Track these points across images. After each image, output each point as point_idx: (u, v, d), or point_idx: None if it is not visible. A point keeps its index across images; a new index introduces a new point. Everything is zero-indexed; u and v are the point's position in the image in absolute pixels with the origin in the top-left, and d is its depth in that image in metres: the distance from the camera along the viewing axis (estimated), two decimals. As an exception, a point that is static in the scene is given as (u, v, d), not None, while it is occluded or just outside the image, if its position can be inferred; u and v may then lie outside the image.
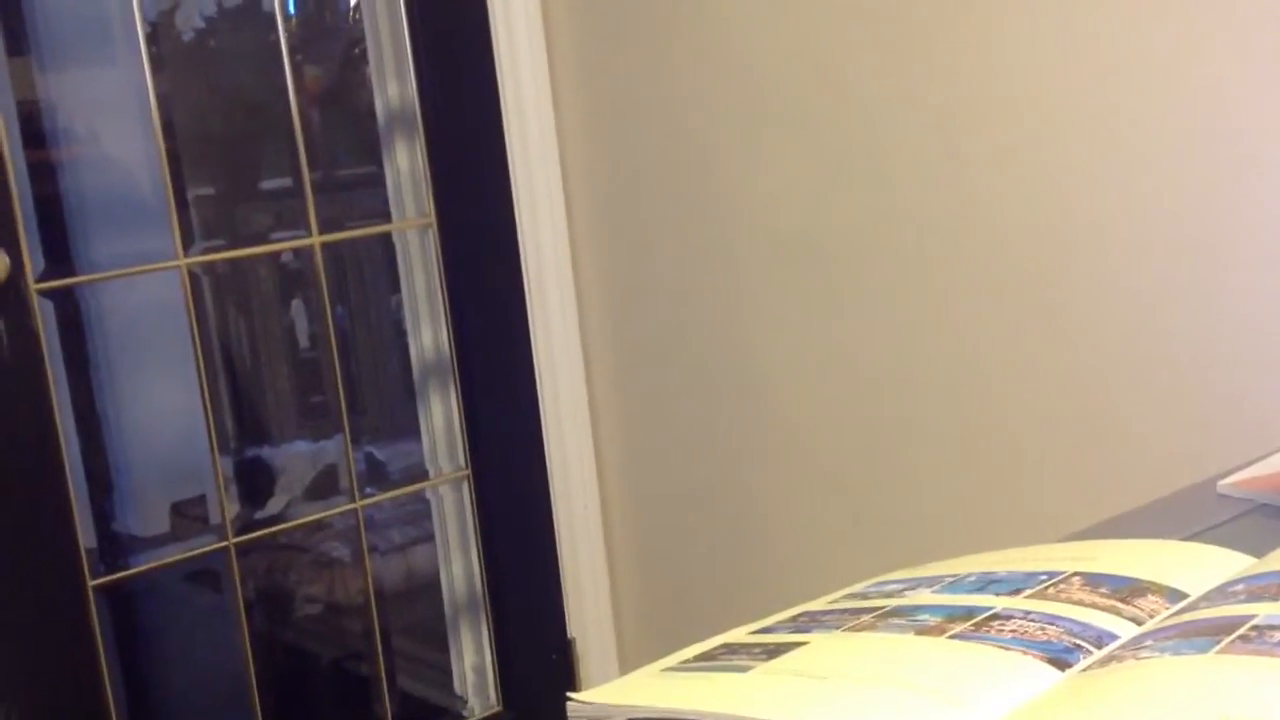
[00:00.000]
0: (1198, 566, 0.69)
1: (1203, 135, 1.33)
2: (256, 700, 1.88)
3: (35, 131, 1.93)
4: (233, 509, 2.02)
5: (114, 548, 2.08)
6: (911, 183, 1.60)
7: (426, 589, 2.19)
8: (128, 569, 1.86)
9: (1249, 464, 0.91)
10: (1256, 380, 1.33)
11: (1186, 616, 0.61)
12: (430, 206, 1.99)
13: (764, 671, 0.62)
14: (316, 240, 1.91)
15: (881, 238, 1.65)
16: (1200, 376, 1.38)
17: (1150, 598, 0.65)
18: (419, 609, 2.23)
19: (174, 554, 1.94)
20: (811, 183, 1.72)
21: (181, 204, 1.92)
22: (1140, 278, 1.41)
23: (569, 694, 0.63)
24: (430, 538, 2.17)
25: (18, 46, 1.88)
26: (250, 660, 1.88)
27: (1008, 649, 0.59)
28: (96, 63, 1.98)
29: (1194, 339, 1.38)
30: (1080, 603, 0.65)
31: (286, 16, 1.96)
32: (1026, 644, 0.60)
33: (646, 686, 0.64)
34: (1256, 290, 1.32)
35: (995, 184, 1.52)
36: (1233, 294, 1.34)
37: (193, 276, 1.83)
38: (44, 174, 1.94)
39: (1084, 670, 0.57)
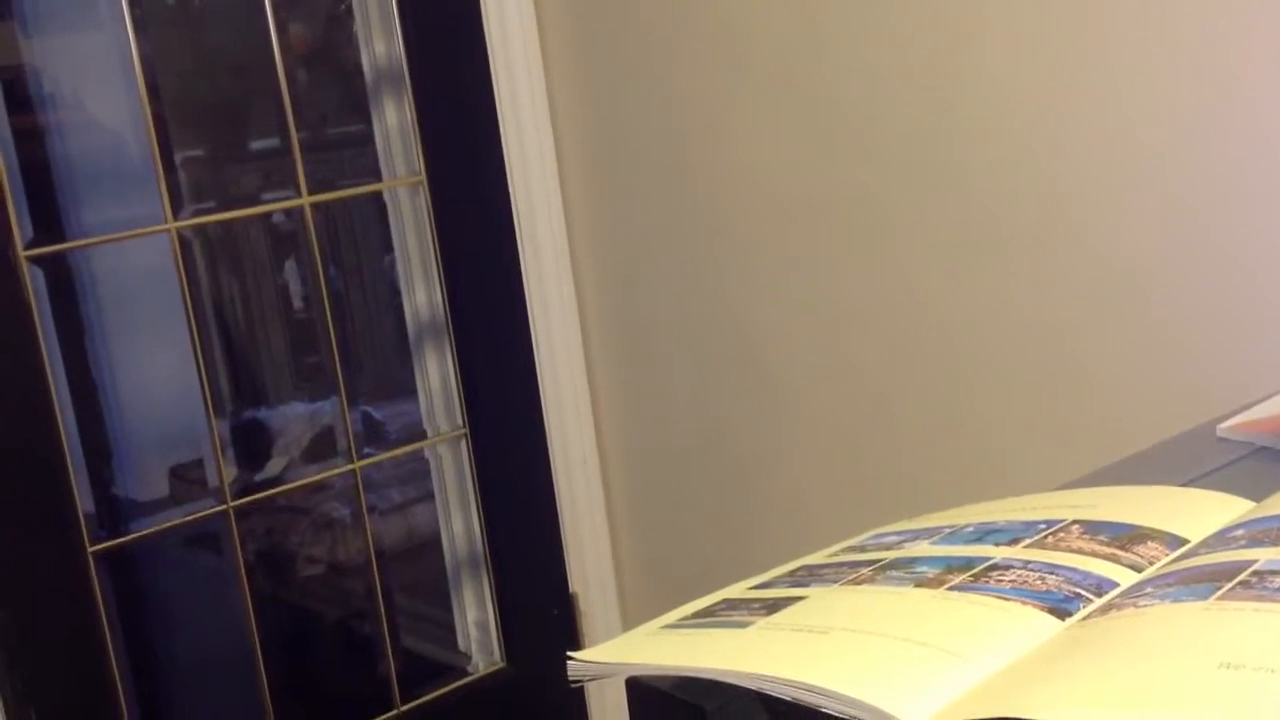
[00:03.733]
0: (1197, 512, 0.69)
1: (1196, 85, 1.32)
2: (260, 661, 1.89)
3: (20, 97, 1.92)
4: (231, 472, 2.02)
5: (113, 513, 2.08)
6: (901, 144, 1.59)
7: (427, 547, 2.20)
8: (127, 534, 1.86)
9: (1247, 407, 0.91)
10: (1254, 322, 1.33)
11: (1186, 563, 0.61)
12: (421, 164, 1.98)
13: (764, 627, 0.62)
14: (306, 200, 1.90)
15: (872, 197, 1.64)
16: (1198, 320, 1.37)
17: (1150, 544, 0.65)
18: (420, 567, 2.24)
19: (173, 518, 1.94)
20: (802, 142, 1.71)
21: (169, 167, 1.91)
22: (1136, 223, 1.40)
23: (570, 653, 0.63)
24: (430, 496, 2.17)
25: (0, 11, 1.86)
26: (253, 622, 1.88)
27: (1007, 599, 0.59)
28: (80, 27, 1.96)
29: (1191, 283, 1.37)
30: (1079, 551, 0.65)
31: (270, -26, 1.93)
32: (1026, 594, 0.60)
33: (647, 644, 0.64)
34: (1253, 233, 1.31)
35: (986, 143, 1.51)
36: (1229, 237, 1.33)
37: (183, 240, 1.82)
38: (30, 140, 1.93)
39: (1084, 619, 0.57)
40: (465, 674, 2.13)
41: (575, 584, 2.19)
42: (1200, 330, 1.37)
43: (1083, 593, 0.60)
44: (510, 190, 2.04)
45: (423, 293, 2.07)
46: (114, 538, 1.80)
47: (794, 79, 1.70)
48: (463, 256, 2.02)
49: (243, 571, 1.88)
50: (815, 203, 1.72)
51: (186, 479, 2.12)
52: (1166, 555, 0.64)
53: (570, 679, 0.63)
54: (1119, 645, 0.53)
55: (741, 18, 1.74)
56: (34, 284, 1.66)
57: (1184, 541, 0.65)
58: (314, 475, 2.09)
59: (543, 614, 2.16)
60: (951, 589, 0.62)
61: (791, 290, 1.79)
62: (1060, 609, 0.58)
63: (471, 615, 2.17)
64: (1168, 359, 1.40)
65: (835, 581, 0.66)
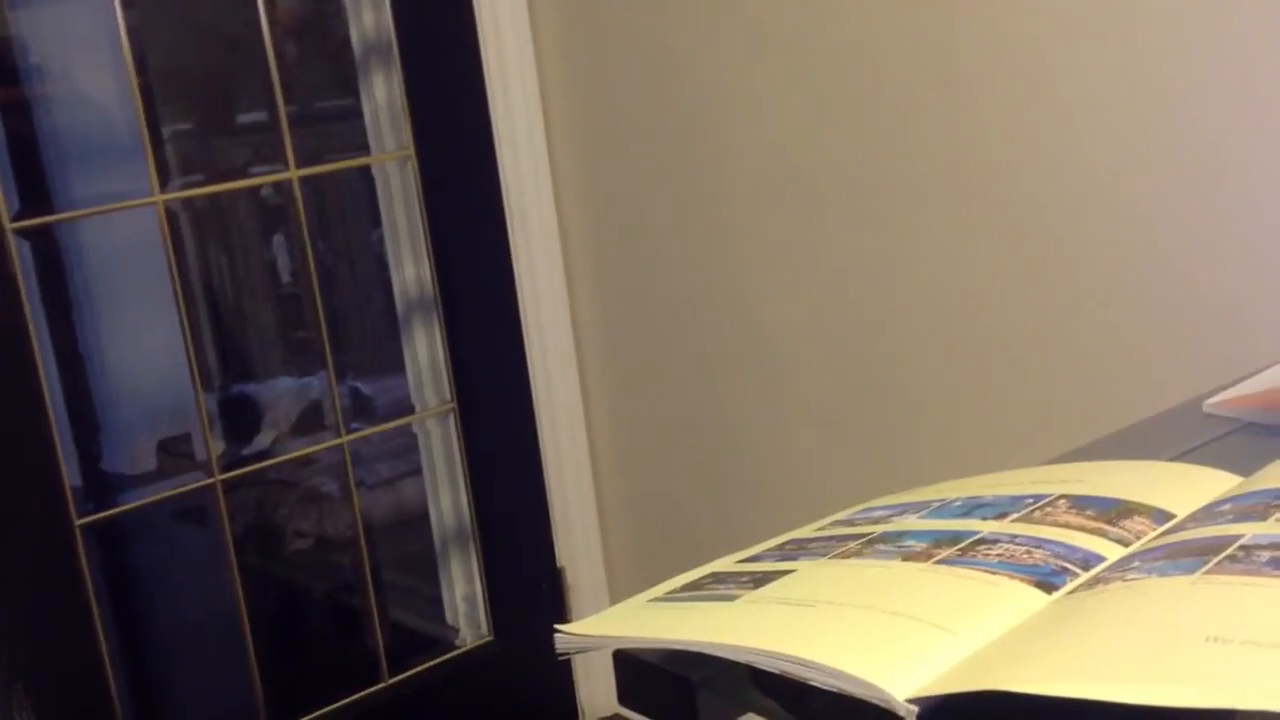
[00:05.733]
0: (1184, 487, 0.69)
1: (1196, 55, 1.32)
2: (248, 635, 1.89)
3: (6, 69, 1.90)
4: (219, 446, 2.01)
5: (100, 486, 2.07)
6: (903, 115, 1.59)
7: (416, 522, 2.20)
8: (115, 507, 1.85)
9: (1234, 383, 0.91)
10: (1242, 298, 1.33)
11: (1173, 537, 0.62)
12: (409, 138, 1.97)
13: (751, 600, 0.62)
14: (294, 174, 1.89)
15: (870, 171, 1.64)
16: (1185, 296, 1.37)
17: (1137, 519, 0.65)
18: (409, 542, 2.24)
19: (161, 491, 1.94)
20: (803, 114, 1.71)
21: (156, 140, 1.90)
22: (1126, 201, 1.40)
23: (557, 626, 0.63)
24: (418, 471, 2.17)
25: (-17, -18, 1.84)
26: (241, 596, 1.88)
27: (994, 573, 0.60)
28: (65, -3, 1.95)
29: (1177, 260, 1.37)
30: (1067, 525, 0.65)
31: (257, -55, 1.92)
32: (1013, 568, 0.60)
33: (634, 617, 0.64)
34: (1242, 209, 1.31)
35: (987, 113, 1.50)
36: (1218, 214, 1.33)
37: (170, 213, 1.81)
38: (15, 112, 1.91)
39: (1071, 593, 0.57)
40: (453, 647, 2.14)
41: (563, 558, 2.19)
42: (1188, 306, 1.37)
43: (1070, 567, 0.60)
44: (499, 165, 2.04)
45: (411, 267, 2.06)
46: (101, 511, 1.80)
47: (793, 50, 1.70)
48: (451, 231, 2.02)
49: (231, 545, 1.88)
50: (813, 180, 1.72)
51: (174, 452, 2.11)
52: (1153, 530, 0.64)
53: (558, 652, 0.63)
54: (1106, 619, 0.53)
55: (732, -8, 1.74)
56: (20, 257, 1.66)
57: (1171, 516, 0.65)
58: (302, 449, 2.09)
59: (531, 588, 2.16)
60: (939, 563, 0.62)
61: (785, 265, 1.79)
62: (1047, 583, 0.58)
63: (459, 589, 2.17)
64: (1156, 335, 1.41)
65: (823, 555, 0.66)
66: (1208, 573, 0.55)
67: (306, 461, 2.14)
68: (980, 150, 1.52)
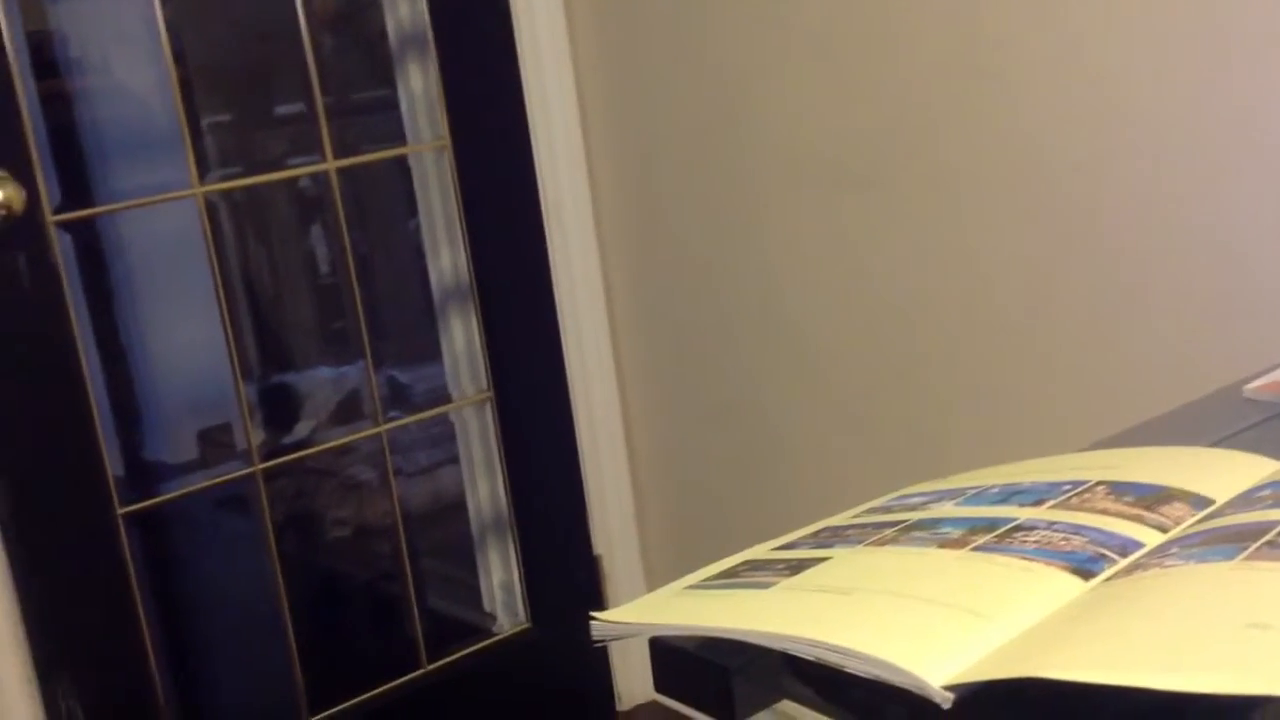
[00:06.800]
0: (1223, 472, 0.69)
1: (1229, 40, 1.30)
2: (289, 622, 1.91)
3: (46, 62, 1.92)
4: (259, 435, 2.03)
5: (142, 476, 2.09)
6: (933, 103, 1.58)
7: (453, 509, 2.21)
8: (156, 496, 1.87)
9: (1274, 368, 0.90)
10: (1283, 284, 1.31)
11: (1212, 523, 0.61)
12: (445, 128, 1.98)
13: (787, 588, 0.62)
14: (332, 165, 1.90)
15: (901, 159, 1.63)
16: (1224, 281, 1.36)
17: (1175, 505, 0.65)
18: (446, 529, 2.25)
19: (202, 481, 1.96)
20: (833, 103, 1.70)
21: (195, 132, 1.91)
22: (1164, 185, 1.39)
23: (593, 613, 0.63)
24: (455, 459, 2.18)
25: (24, -24, 1.86)
26: (281, 583, 1.90)
27: (1031, 560, 0.59)
28: (104, -10, 1.96)
29: (1216, 242, 1.36)
30: (1105, 512, 0.64)
31: (293, -63, 1.93)
32: (1050, 554, 0.60)
33: (669, 604, 0.64)
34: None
35: (1018, 102, 1.49)
36: (1258, 196, 1.32)
37: (209, 205, 1.83)
38: (56, 105, 1.93)
39: (1108, 580, 0.57)
40: (490, 634, 2.15)
41: (599, 546, 2.19)
42: (1228, 290, 1.36)
43: (1107, 553, 0.60)
44: (535, 154, 2.04)
45: (447, 257, 2.07)
46: (143, 500, 1.81)
47: (825, 40, 1.69)
48: (487, 220, 2.02)
49: (271, 533, 1.89)
50: (845, 165, 1.71)
51: (215, 442, 2.13)
52: (1192, 516, 0.63)
53: (594, 639, 0.63)
54: (1144, 606, 0.53)
55: (766, -22, 1.73)
56: (62, 249, 1.67)
57: (1210, 502, 0.65)
58: (340, 438, 2.10)
59: (567, 575, 2.17)
60: (976, 550, 0.61)
61: (816, 254, 1.78)
62: (1085, 570, 0.58)
63: (496, 577, 2.18)
64: (1195, 319, 1.39)
65: (859, 542, 0.66)
66: (1247, 559, 0.54)
67: (345, 450, 2.16)
68: (1011, 139, 1.51)
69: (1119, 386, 1.48)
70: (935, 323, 1.66)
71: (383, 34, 2.04)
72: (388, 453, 2.01)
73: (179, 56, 1.79)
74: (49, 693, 1.68)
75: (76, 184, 1.92)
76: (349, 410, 2.17)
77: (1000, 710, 0.51)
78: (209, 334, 1.84)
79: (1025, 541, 0.62)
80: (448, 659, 2.07)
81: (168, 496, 1.89)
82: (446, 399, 2.13)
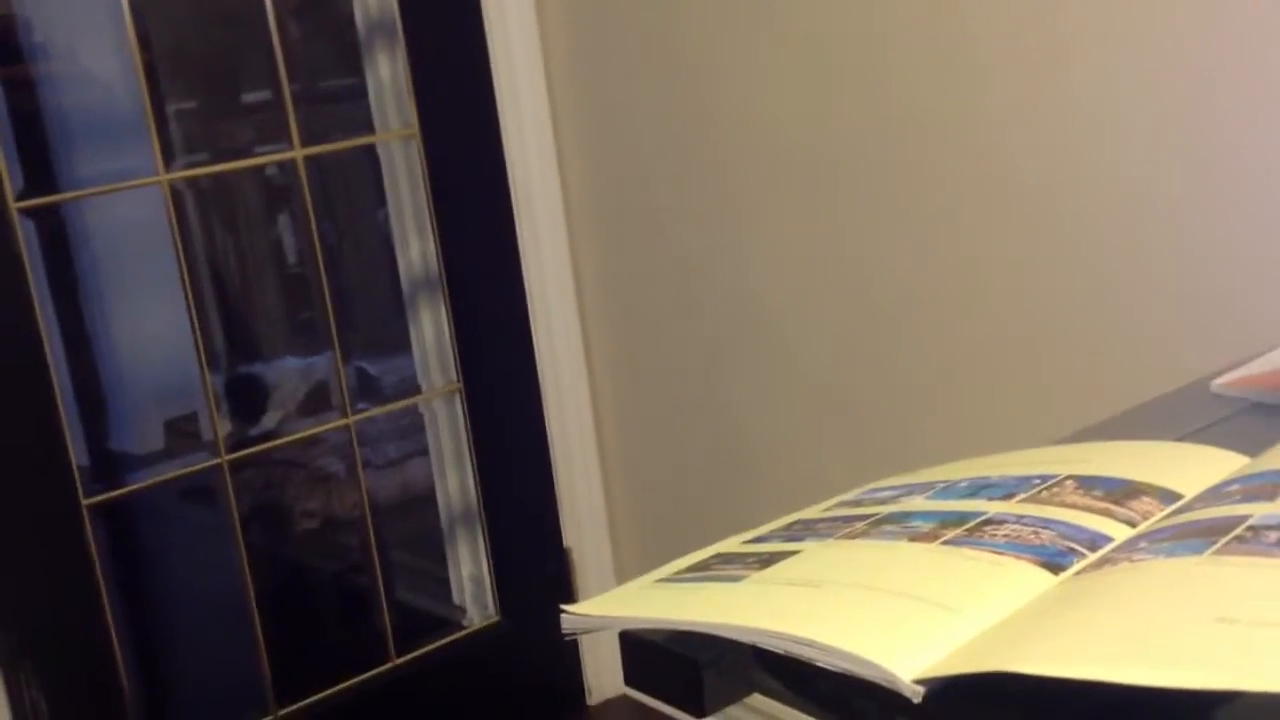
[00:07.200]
0: (1192, 467, 0.69)
1: (1202, 42, 1.31)
2: (256, 615, 1.90)
3: (10, 47, 1.90)
4: (225, 426, 2.02)
5: (108, 466, 2.08)
6: (909, 96, 1.58)
7: (422, 502, 2.20)
8: (122, 487, 1.86)
9: (1242, 363, 0.91)
10: (1249, 278, 1.32)
11: (1181, 518, 0.61)
12: (414, 116, 1.97)
13: (757, 581, 0.62)
14: (299, 153, 1.88)
15: (877, 154, 1.63)
16: (1193, 276, 1.37)
17: (1144, 499, 0.65)
18: (416, 522, 2.24)
19: (168, 471, 1.94)
20: (809, 96, 1.70)
21: (161, 119, 1.89)
22: (1134, 180, 1.39)
23: (563, 606, 0.63)
24: (424, 451, 2.17)
25: (-13, -40, 1.84)
26: (248, 576, 1.89)
27: (1001, 554, 0.59)
28: (69, -25, 1.94)
29: (1185, 239, 1.37)
30: (1074, 506, 0.64)
31: (261, -76, 1.91)
32: (1020, 548, 0.60)
33: (640, 597, 0.64)
34: (1251, 190, 1.31)
35: (994, 96, 1.49)
36: (1226, 194, 1.33)
37: (175, 192, 1.81)
38: (19, 91, 1.91)
39: (1078, 573, 0.57)
40: (460, 628, 2.14)
41: (569, 538, 2.19)
42: (1196, 286, 1.37)
43: (1077, 547, 0.60)
44: (504, 142, 2.03)
45: (416, 247, 2.06)
46: (109, 490, 1.80)
47: (800, 34, 1.69)
48: (456, 210, 2.01)
49: (238, 525, 1.88)
50: (819, 159, 1.71)
51: (181, 432, 2.12)
52: (1161, 510, 0.63)
53: (564, 632, 0.63)
54: (1113, 600, 0.53)
55: (738, -31, 1.73)
56: (25, 236, 1.66)
57: (1178, 496, 0.65)
58: (308, 430, 2.09)
59: (537, 568, 2.16)
60: (946, 543, 0.61)
61: (789, 250, 1.78)
62: (1054, 563, 0.58)
63: (466, 569, 2.18)
64: (1163, 314, 1.40)
65: (830, 536, 0.66)
66: (1215, 553, 0.55)
67: (313, 442, 2.14)
68: (984, 133, 1.51)
69: (1087, 381, 1.49)
70: (908, 318, 1.66)
71: (350, 21, 2.02)
72: (356, 444, 2.00)
73: (144, 42, 1.77)
74: (12, 683, 1.66)
75: (40, 170, 1.90)
76: (317, 401, 2.15)
77: (970, 704, 0.50)
78: (175, 323, 1.82)
79: (995, 535, 0.62)
80: (417, 652, 2.06)
81: (133, 487, 1.87)
82: (416, 390, 2.12)
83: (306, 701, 1.93)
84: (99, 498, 1.75)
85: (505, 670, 2.13)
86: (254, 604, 1.90)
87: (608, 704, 2.24)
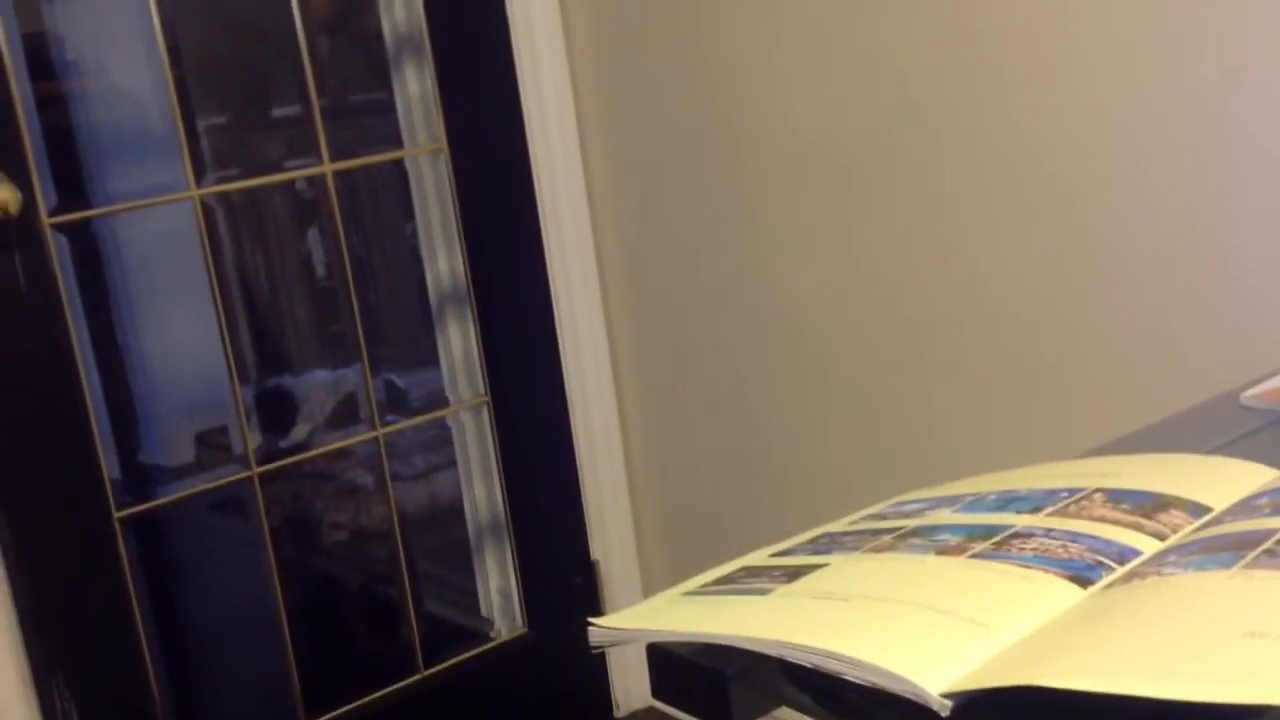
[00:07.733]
0: (1221, 480, 0.69)
1: (1232, 38, 1.30)
2: (285, 626, 1.91)
3: (42, 64, 1.92)
4: (255, 438, 2.03)
5: (139, 479, 2.09)
6: (928, 94, 1.58)
7: (450, 514, 2.21)
8: (153, 500, 1.87)
9: (1272, 375, 0.90)
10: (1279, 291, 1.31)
11: (1210, 531, 0.61)
12: (441, 131, 1.98)
13: (784, 594, 0.62)
14: (328, 168, 1.90)
15: (896, 151, 1.63)
16: (1223, 289, 1.36)
17: (1173, 513, 0.65)
18: (443, 534, 2.25)
19: (199, 484, 1.95)
20: (826, 95, 1.70)
21: (192, 134, 1.91)
22: (1162, 187, 1.39)
23: (590, 619, 0.63)
24: (452, 464, 2.18)
25: (21, -22, 1.86)
26: (278, 587, 1.90)
27: (1029, 567, 0.59)
28: (101, -8, 1.96)
29: (1214, 249, 1.36)
30: (1102, 519, 0.64)
31: (291, -60, 1.93)
32: (1048, 562, 0.60)
33: (667, 610, 0.64)
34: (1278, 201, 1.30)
35: (1014, 93, 1.49)
36: (1257, 202, 1.32)
37: (206, 207, 1.83)
38: (53, 107, 1.93)
39: (1106, 587, 0.57)
40: (488, 640, 2.14)
41: (596, 551, 2.19)
42: (1226, 297, 1.36)
43: (1105, 561, 0.59)
44: (531, 157, 2.04)
45: (444, 260, 2.07)
46: (140, 504, 1.81)
47: (823, 33, 1.69)
48: (484, 224, 2.02)
49: (268, 537, 1.89)
50: (839, 158, 1.71)
51: (212, 445, 2.13)
52: (1190, 524, 0.63)
53: (591, 645, 0.63)
54: (1142, 614, 0.53)
55: (764, -18, 1.73)
56: (58, 251, 1.67)
57: (1208, 510, 0.65)
58: (337, 442, 2.10)
59: (564, 581, 2.16)
60: (973, 557, 0.61)
61: (815, 258, 1.78)
62: (1082, 577, 0.58)
63: (494, 582, 2.18)
64: (1192, 326, 1.39)
65: (856, 549, 0.66)
66: (1245, 567, 0.54)
67: (342, 454, 2.15)
68: (1008, 136, 1.51)
69: (1116, 393, 1.48)
70: (934, 324, 1.66)
71: (379, 36, 2.03)
72: (384, 457, 2.00)
73: (175, 58, 1.79)
74: (46, 695, 1.68)
75: (72, 186, 1.92)
76: (346, 414, 2.17)
77: (998, 718, 0.50)
78: (205, 337, 1.84)
79: (1023, 549, 0.61)
80: (445, 664, 2.06)
81: (164, 500, 1.89)
82: (444, 403, 2.13)
83: (335, 712, 1.94)
84: (130, 510, 1.77)
85: (532, 682, 2.13)
86: (283, 615, 1.90)
87: (634, 716, 2.23)
